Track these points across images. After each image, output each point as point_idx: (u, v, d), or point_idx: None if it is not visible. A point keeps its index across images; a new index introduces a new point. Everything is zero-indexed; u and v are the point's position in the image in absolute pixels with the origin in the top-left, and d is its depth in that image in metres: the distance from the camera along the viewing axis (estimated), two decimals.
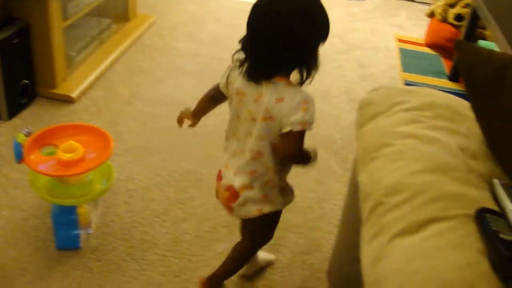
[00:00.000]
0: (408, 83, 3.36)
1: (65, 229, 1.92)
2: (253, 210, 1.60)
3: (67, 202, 1.89)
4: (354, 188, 1.45)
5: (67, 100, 2.78)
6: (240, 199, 1.59)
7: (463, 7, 3.79)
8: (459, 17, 3.75)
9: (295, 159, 1.56)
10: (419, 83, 3.38)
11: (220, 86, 1.59)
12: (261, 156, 1.52)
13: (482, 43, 3.39)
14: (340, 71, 3.41)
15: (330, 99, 3.10)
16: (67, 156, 1.83)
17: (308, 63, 1.42)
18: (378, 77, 3.39)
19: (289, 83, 1.44)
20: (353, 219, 1.44)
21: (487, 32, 3.61)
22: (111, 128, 2.61)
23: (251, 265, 1.90)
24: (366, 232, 1.12)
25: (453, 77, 3.48)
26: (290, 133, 1.42)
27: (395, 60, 3.65)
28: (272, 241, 1.83)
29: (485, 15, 3.01)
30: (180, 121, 1.83)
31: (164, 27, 3.67)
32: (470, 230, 1.03)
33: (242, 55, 1.48)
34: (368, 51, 3.73)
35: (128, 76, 3.07)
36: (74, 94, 2.80)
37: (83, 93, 2.86)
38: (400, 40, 3.95)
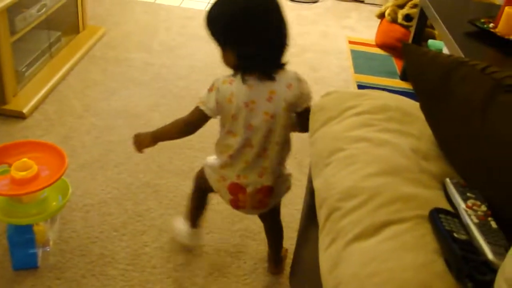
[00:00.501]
0: (361, 84, 3.40)
1: (21, 248, 1.88)
2: (284, 191, 1.80)
3: (23, 221, 1.84)
4: (310, 194, 1.46)
5: (19, 116, 2.72)
6: (275, 191, 1.72)
7: (412, 7, 3.86)
8: (408, 17, 3.82)
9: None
10: (371, 84, 3.43)
11: (209, 113, 1.62)
12: (288, 143, 1.70)
13: (431, 42, 3.46)
14: None
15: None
16: (21, 175, 1.78)
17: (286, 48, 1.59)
18: (331, 80, 3.42)
19: (282, 69, 1.60)
20: (311, 224, 1.45)
21: (435, 31, 3.69)
22: (65, 143, 2.57)
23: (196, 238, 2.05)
24: (322, 238, 1.13)
25: (404, 77, 3.54)
26: (308, 107, 1.61)
27: (347, 62, 3.69)
28: (233, 249, 1.83)
29: (432, 14, 3.07)
30: (140, 150, 1.82)
31: (115, 38, 3.63)
32: (425, 231, 1.04)
33: (222, 77, 1.59)
34: (319, 54, 3.76)
35: (80, 89, 3.03)
36: (25, 110, 2.75)
37: (35, 108, 2.81)
38: (351, 42, 4.00)
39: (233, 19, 1.52)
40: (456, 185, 1.15)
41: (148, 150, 1.85)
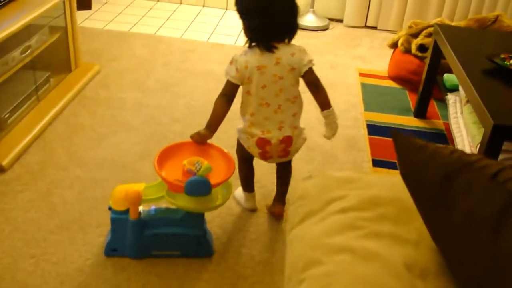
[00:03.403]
0: (371, 124, 3.15)
1: None
2: (301, 142, 2.20)
3: (204, 209, 2.07)
4: None
5: None
6: (294, 141, 2.14)
7: (426, 36, 3.60)
8: (422, 48, 3.57)
9: (320, 84, 2.12)
10: (383, 123, 3.17)
11: (234, 80, 2.04)
12: (297, 98, 2.12)
13: (447, 77, 3.20)
14: None
15: None
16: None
17: (295, 29, 2.04)
18: (339, 119, 3.15)
19: (287, 43, 2.04)
20: None
21: None
22: (43, 200, 2.36)
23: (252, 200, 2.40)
24: None
25: (419, 114, 3.28)
26: (310, 69, 2.06)
27: (356, 97, 3.44)
28: None
29: (445, 47, 2.82)
30: (204, 143, 2.15)
31: (110, 76, 3.43)
32: None
33: (238, 52, 2.04)
34: (326, 88, 3.48)
35: (67, 135, 2.82)
36: (5, 162, 2.55)
37: (16, 158, 2.61)
38: (362, 74, 3.75)
39: (248, 7, 1.99)
40: None
41: None
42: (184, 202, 1.98)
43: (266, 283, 2.07)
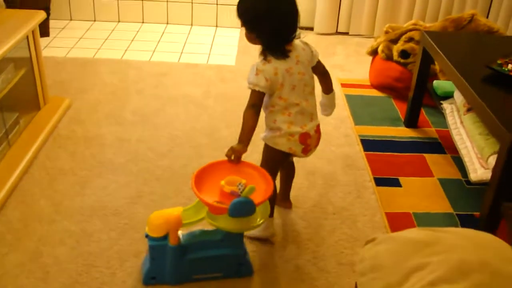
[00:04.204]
0: (364, 138, 3.02)
1: None
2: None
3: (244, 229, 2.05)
4: None
5: None
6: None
7: (406, 41, 3.50)
8: (404, 54, 3.46)
9: (327, 70, 2.25)
10: (376, 137, 3.05)
11: (264, 90, 2.05)
12: (314, 88, 2.18)
13: (437, 84, 3.10)
14: None
15: None
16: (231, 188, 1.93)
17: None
18: (331, 137, 3.04)
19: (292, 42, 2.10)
20: None
21: (436, 67, 3.34)
22: (34, 262, 2.14)
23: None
24: None
25: (410, 123, 3.17)
26: (319, 61, 2.18)
27: (344, 111, 3.31)
28: None
29: (439, 56, 2.72)
30: (239, 158, 2.07)
31: (82, 110, 3.20)
32: None
33: (257, 63, 2.06)
34: None
35: (47, 183, 2.60)
36: None
37: None
38: (344, 85, 3.62)
39: (257, 14, 2.01)
40: None
41: None
42: (226, 224, 1.93)
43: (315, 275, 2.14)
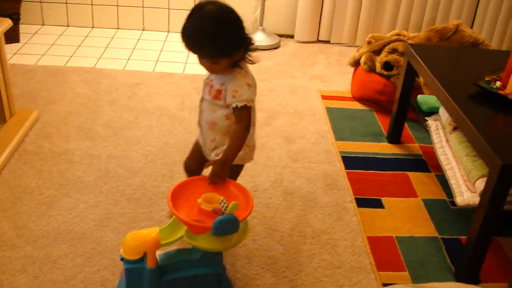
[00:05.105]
0: (346, 155, 2.91)
1: None
2: None
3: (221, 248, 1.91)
4: None
5: None
6: None
7: (390, 52, 3.40)
8: (387, 65, 3.35)
9: None
10: (358, 153, 2.94)
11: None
12: None
13: (421, 99, 2.99)
14: (265, 153, 2.90)
15: (260, 194, 2.59)
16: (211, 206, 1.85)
17: None
18: (311, 152, 2.92)
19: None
20: None
21: (420, 80, 3.24)
22: None
23: None
24: None
25: (393, 139, 3.06)
26: None
27: (325, 125, 3.19)
28: None
29: (424, 71, 2.62)
30: (225, 179, 1.99)
31: (51, 123, 3.04)
32: None
33: (243, 72, 1.97)
34: (291, 118, 3.25)
35: (10, 203, 2.44)
36: None
37: None
38: (325, 97, 3.50)
39: (236, 32, 1.90)
40: None
41: None
42: (206, 243, 1.84)
43: None
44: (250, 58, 1.99)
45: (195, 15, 1.86)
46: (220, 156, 1.99)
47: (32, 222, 2.35)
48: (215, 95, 1.99)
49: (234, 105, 1.92)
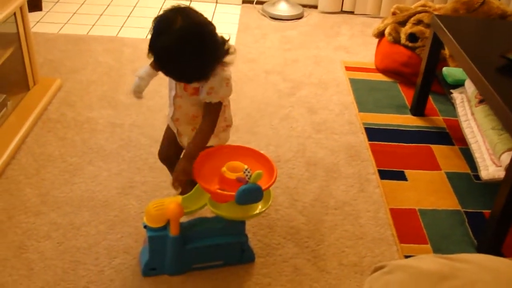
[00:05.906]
0: (369, 127, 2.88)
1: None
2: None
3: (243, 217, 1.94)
4: None
5: None
6: None
7: (415, 23, 3.34)
8: (412, 37, 3.30)
9: None
10: (381, 125, 2.91)
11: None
12: None
13: (447, 71, 2.94)
14: (288, 123, 2.89)
15: (283, 164, 2.58)
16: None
17: None
18: (334, 123, 2.90)
19: None
20: None
21: (446, 53, 3.18)
22: (18, 257, 2.03)
23: None
24: None
25: (417, 111, 3.02)
26: None
27: (348, 96, 3.16)
28: None
29: (451, 43, 2.57)
30: (185, 181, 1.93)
31: (74, 92, 3.05)
32: None
33: (221, 68, 1.87)
34: (315, 89, 3.23)
35: (35, 170, 2.46)
36: None
37: None
38: (349, 68, 3.47)
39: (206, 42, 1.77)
40: None
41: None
42: (229, 212, 1.85)
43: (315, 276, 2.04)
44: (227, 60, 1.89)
45: (164, 34, 1.75)
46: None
47: (55, 189, 2.37)
48: (192, 92, 1.93)
49: (207, 101, 1.88)
